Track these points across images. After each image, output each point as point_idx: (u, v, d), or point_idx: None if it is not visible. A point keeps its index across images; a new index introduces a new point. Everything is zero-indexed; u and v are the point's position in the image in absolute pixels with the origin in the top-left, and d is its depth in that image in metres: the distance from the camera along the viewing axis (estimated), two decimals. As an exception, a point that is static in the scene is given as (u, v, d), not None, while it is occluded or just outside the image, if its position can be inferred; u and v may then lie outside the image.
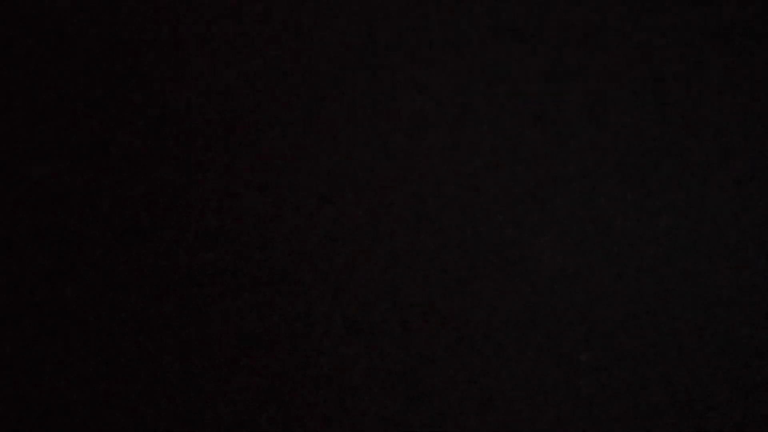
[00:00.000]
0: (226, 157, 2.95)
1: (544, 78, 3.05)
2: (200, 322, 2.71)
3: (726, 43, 3.06)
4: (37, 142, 2.98)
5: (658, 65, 3.07)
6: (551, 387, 2.62)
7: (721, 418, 2.59)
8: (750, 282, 2.75)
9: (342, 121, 3.01)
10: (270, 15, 3.21)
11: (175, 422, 2.59)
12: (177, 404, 2.61)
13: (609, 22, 3.10)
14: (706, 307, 2.71)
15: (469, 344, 2.68)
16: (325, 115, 3.03)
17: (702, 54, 3.08)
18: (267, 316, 2.72)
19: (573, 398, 2.61)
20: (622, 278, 2.76)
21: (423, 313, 2.72)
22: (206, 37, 3.16)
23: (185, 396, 2.62)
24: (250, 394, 2.62)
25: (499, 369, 2.65)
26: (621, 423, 2.59)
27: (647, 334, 2.68)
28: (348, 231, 2.84)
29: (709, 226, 2.82)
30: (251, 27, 3.18)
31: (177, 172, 2.93)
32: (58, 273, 2.79)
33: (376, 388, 2.63)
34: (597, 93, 3.03)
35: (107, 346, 2.69)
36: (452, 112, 3.01)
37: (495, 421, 2.59)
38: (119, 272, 2.79)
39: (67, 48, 3.13)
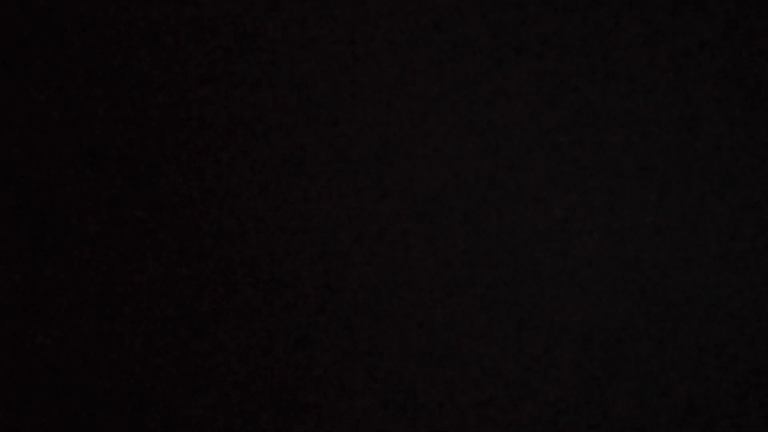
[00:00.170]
0: (226, 156, 2.95)
1: (544, 78, 3.05)
2: (200, 322, 2.71)
3: (721, 47, 3.06)
4: (37, 142, 2.98)
5: (658, 66, 3.07)
6: (551, 387, 2.62)
7: (721, 418, 2.59)
8: (750, 282, 2.75)
9: (342, 121, 3.01)
10: (271, 14, 3.21)
11: (175, 422, 2.59)
12: (177, 404, 2.61)
13: (608, 24, 3.10)
14: (706, 307, 2.72)
15: (468, 344, 2.68)
16: (325, 114, 3.03)
17: (700, 56, 3.08)
18: (267, 316, 2.72)
19: (573, 398, 2.61)
20: (622, 278, 2.76)
21: (423, 313, 2.72)
22: (206, 37, 3.17)
23: (185, 396, 2.62)
24: (250, 394, 2.62)
25: (498, 369, 2.65)
26: (621, 423, 2.59)
27: (647, 334, 2.69)
28: (348, 231, 2.84)
29: (709, 227, 2.83)
30: (252, 27, 3.18)
31: (177, 172, 2.93)
32: (58, 273, 2.79)
33: (375, 388, 2.63)
34: (597, 93, 3.03)
35: (107, 346, 2.69)
36: (452, 112, 3.01)
37: (495, 421, 2.59)
38: (119, 272, 2.79)
39: (67, 48, 3.13)
